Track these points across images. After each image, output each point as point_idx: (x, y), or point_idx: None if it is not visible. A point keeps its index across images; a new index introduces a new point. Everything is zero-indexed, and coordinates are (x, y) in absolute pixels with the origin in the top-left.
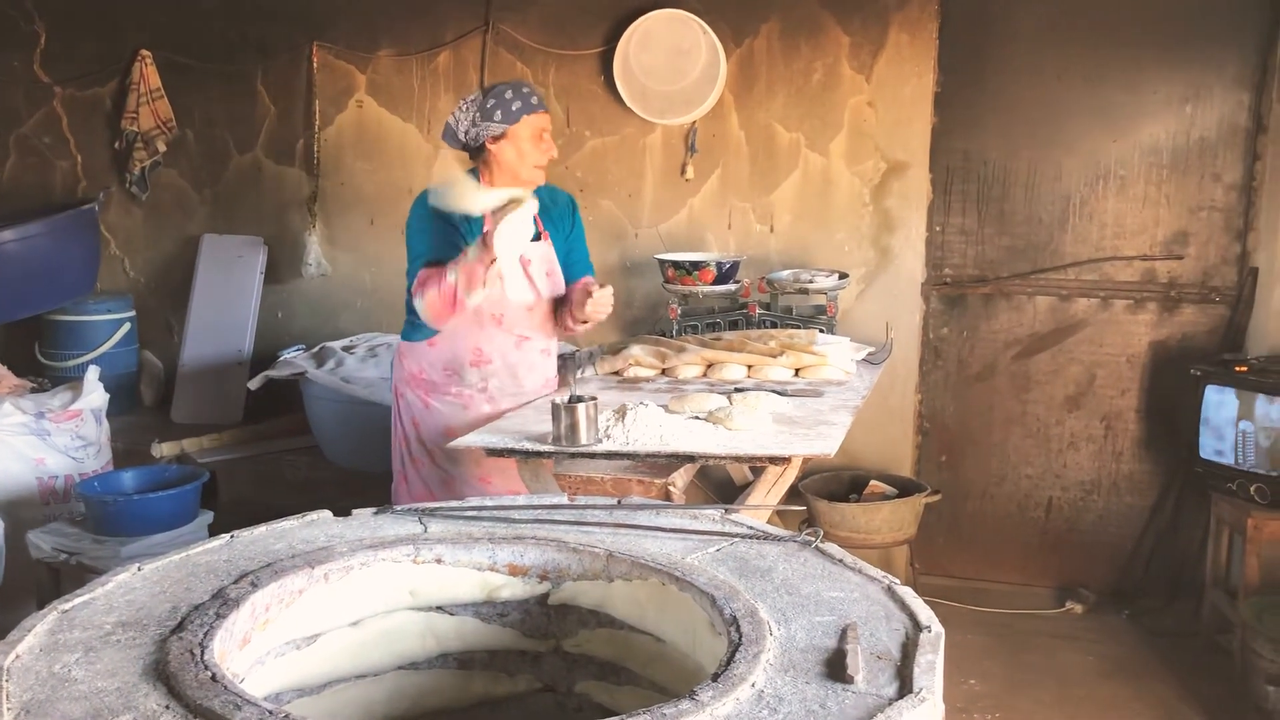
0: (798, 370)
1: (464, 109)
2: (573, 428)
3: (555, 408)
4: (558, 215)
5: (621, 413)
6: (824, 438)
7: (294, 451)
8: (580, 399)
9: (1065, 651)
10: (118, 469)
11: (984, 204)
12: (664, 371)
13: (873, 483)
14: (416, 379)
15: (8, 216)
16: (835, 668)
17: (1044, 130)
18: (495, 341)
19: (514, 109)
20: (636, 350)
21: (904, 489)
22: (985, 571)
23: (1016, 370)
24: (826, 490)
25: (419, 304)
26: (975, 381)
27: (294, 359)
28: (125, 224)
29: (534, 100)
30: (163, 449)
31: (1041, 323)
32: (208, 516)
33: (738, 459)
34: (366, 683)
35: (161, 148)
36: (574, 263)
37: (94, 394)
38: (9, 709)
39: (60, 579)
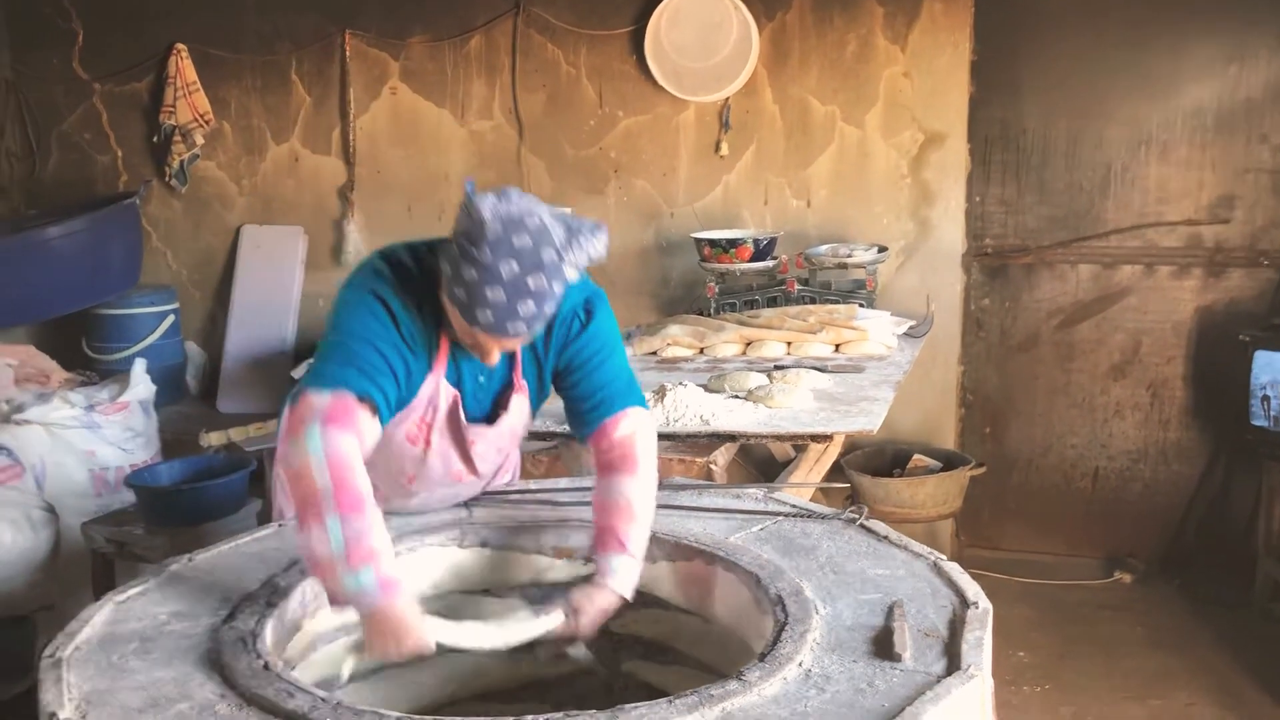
0: (838, 346)
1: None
2: None
3: None
4: (557, 326)
5: (661, 393)
6: (866, 414)
7: None
8: None
9: (1114, 622)
10: (166, 459)
11: (1023, 173)
12: (702, 350)
13: (916, 457)
14: None
15: (51, 212)
16: (882, 646)
17: (1083, 97)
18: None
19: (469, 312)
20: (674, 330)
21: (948, 462)
22: (1032, 543)
23: (1060, 340)
24: (870, 466)
25: (281, 449)
26: (1018, 352)
27: None
28: (166, 216)
29: (489, 317)
30: (210, 438)
31: (1084, 291)
32: (255, 504)
33: (779, 438)
34: (416, 666)
35: (199, 140)
36: (589, 392)
37: (141, 386)
38: (70, 699)
39: (114, 568)
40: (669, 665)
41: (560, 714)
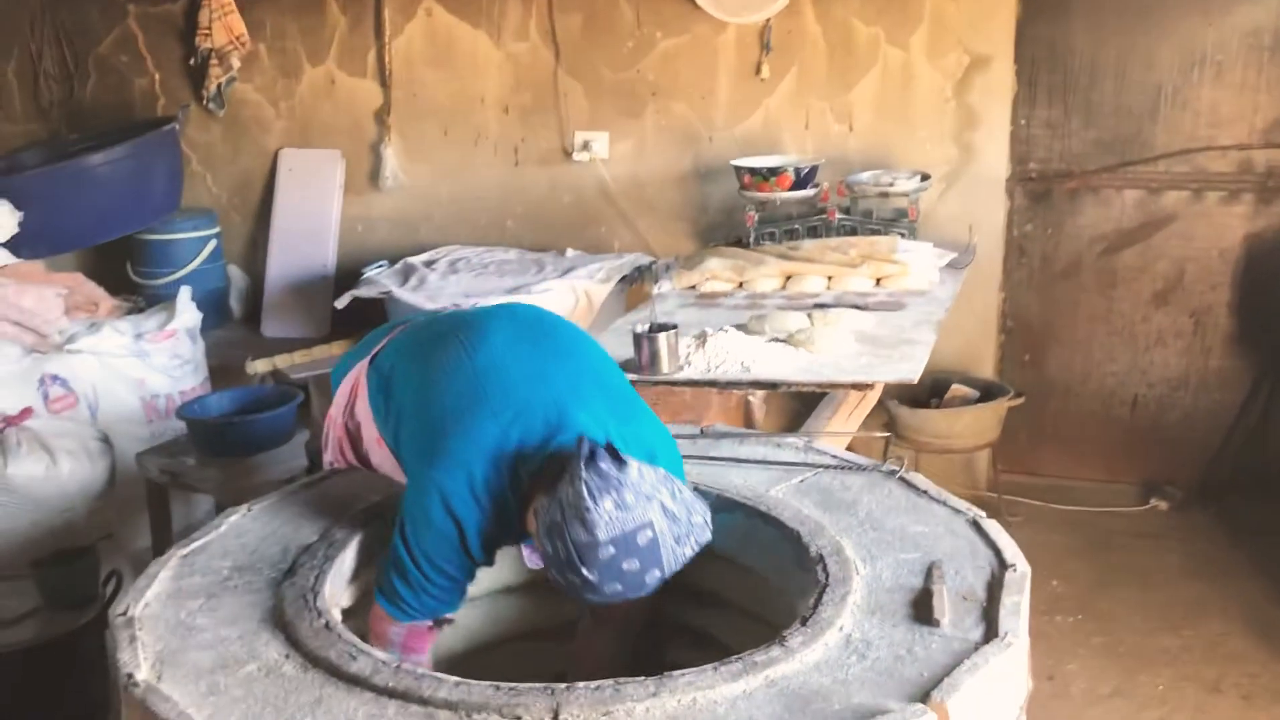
0: (878, 280)
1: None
2: (654, 356)
3: (637, 337)
4: None
5: (702, 339)
6: (907, 359)
7: None
8: (662, 327)
9: (1149, 551)
10: (215, 388)
11: (1070, 95)
12: (741, 285)
13: (954, 386)
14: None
15: (92, 136)
16: (922, 609)
17: (1134, 16)
18: None
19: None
20: (713, 263)
21: (986, 392)
22: (1069, 469)
23: (1102, 266)
24: (907, 395)
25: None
26: (1060, 279)
27: (378, 277)
28: (205, 140)
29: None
30: (256, 366)
31: (1129, 217)
32: (304, 435)
33: (820, 386)
34: (465, 609)
35: (236, 64)
36: None
37: (187, 314)
38: (144, 658)
39: (168, 496)
40: (709, 607)
41: (610, 681)
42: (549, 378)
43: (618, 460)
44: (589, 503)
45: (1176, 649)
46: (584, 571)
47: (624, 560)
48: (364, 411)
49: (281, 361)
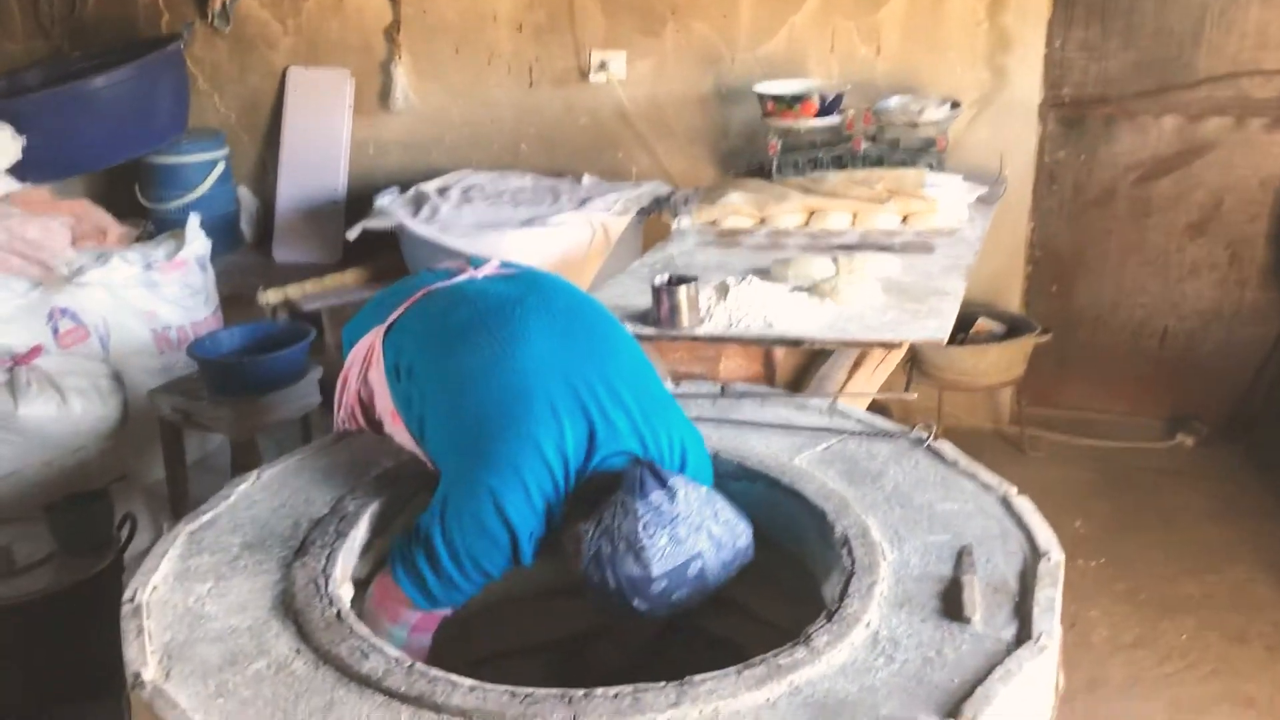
0: (905, 218)
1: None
2: (674, 310)
3: (655, 290)
4: None
5: (723, 291)
6: (935, 314)
7: None
8: (682, 280)
9: (1174, 490)
10: (227, 319)
11: (1109, 16)
12: (762, 221)
13: (980, 320)
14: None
15: (94, 54)
16: (951, 604)
17: None
18: None
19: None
20: (734, 198)
21: (1012, 326)
22: (1093, 402)
23: (1136, 195)
24: None
25: (369, 617)
26: (1091, 208)
27: (389, 207)
28: (211, 58)
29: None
30: (268, 297)
31: (1167, 145)
32: (317, 371)
33: (845, 344)
34: None
35: None
36: None
37: (197, 242)
38: (152, 651)
39: (181, 435)
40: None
41: (630, 689)
42: (588, 378)
43: (666, 488)
44: (644, 540)
45: (1200, 596)
46: (633, 602)
47: (674, 592)
48: (378, 380)
49: (293, 292)
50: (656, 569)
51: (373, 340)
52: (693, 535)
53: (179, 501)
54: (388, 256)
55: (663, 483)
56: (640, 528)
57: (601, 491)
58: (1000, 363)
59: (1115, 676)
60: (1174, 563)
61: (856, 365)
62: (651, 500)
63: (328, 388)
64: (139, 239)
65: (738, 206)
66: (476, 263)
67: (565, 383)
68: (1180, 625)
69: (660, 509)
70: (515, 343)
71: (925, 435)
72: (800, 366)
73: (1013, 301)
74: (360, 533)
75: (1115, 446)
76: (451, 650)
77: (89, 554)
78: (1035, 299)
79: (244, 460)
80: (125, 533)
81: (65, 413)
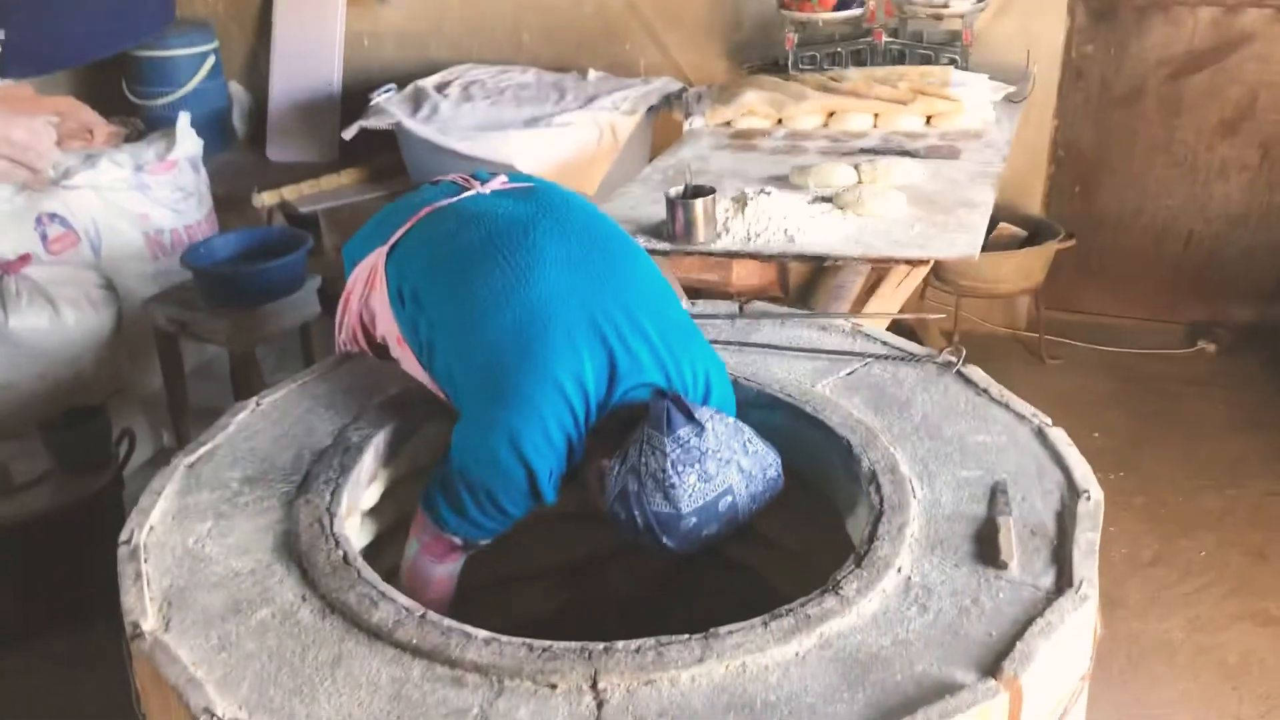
0: (929, 119)
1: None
2: (690, 225)
3: (670, 203)
4: None
5: (742, 203)
6: (965, 228)
7: (394, 196)
8: (699, 191)
9: (1194, 400)
10: (221, 221)
11: None
12: (780, 121)
13: (1001, 225)
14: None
15: None
16: (986, 547)
17: None
18: None
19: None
20: (750, 97)
21: (1034, 231)
22: (1113, 307)
23: (1167, 92)
24: None
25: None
26: (1119, 105)
27: (387, 105)
28: None
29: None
30: (263, 198)
31: (1201, 38)
32: (315, 280)
33: (870, 260)
34: None
35: None
36: None
37: (188, 142)
38: (151, 598)
39: (178, 345)
40: None
41: (652, 642)
42: (607, 308)
43: (694, 422)
44: (674, 478)
45: (1220, 511)
46: (663, 540)
47: (704, 528)
48: (381, 304)
49: (289, 193)
50: (686, 507)
51: (375, 262)
52: (722, 470)
53: (178, 412)
54: (386, 156)
55: (690, 417)
56: (669, 466)
57: (626, 425)
58: (1021, 270)
59: (1133, 596)
60: (1194, 477)
61: (878, 278)
62: (680, 436)
63: (327, 296)
64: (128, 138)
65: (754, 106)
66: (482, 176)
67: (583, 312)
68: (1200, 542)
69: (689, 445)
70: (529, 270)
71: (955, 359)
72: (815, 271)
73: (1034, 203)
74: (366, 464)
75: (1135, 353)
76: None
77: (87, 472)
78: (1056, 200)
79: (243, 372)
80: (124, 449)
81: (58, 324)
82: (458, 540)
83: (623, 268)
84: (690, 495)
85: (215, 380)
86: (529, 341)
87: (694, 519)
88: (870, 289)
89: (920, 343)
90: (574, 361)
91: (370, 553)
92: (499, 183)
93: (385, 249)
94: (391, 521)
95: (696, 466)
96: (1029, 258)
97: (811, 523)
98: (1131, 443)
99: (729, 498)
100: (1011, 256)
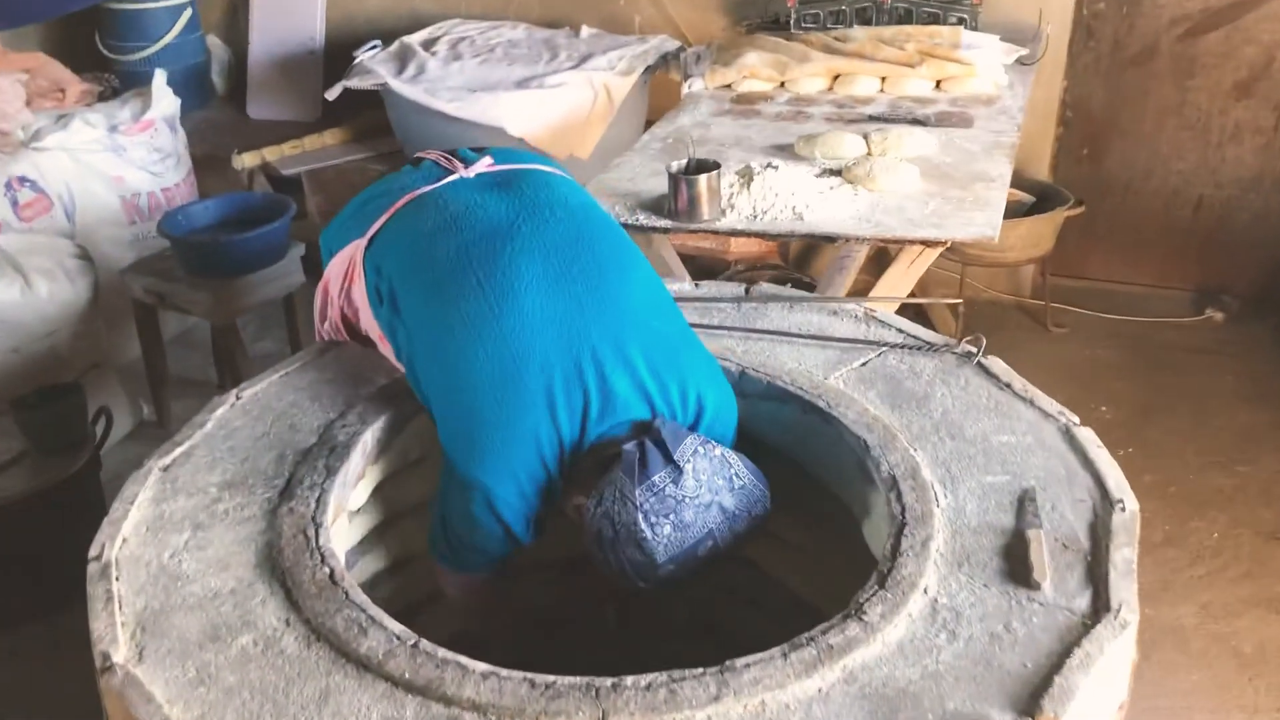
0: (938, 83)
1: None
2: (693, 201)
3: (673, 179)
4: None
5: (747, 177)
6: (983, 205)
7: (380, 158)
8: (702, 166)
9: (1203, 370)
10: (200, 183)
11: None
12: (783, 84)
13: (1008, 190)
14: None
15: None
16: (1016, 564)
17: None
18: None
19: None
20: (751, 59)
21: (1042, 196)
22: (1119, 273)
23: (1180, 52)
24: None
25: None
26: (1130, 65)
27: (371, 64)
28: None
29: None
30: (243, 160)
31: None
32: (299, 248)
33: (885, 241)
34: None
35: None
36: None
37: (164, 101)
38: (123, 623)
39: (157, 316)
40: None
41: (664, 674)
42: (589, 336)
43: (671, 464)
44: (645, 532)
45: (1231, 489)
46: (639, 584)
47: (684, 572)
48: (362, 298)
49: (271, 154)
50: (662, 556)
51: (353, 254)
52: (702, 515)
53: (157, 384)
54: (371, 115)
55: (669, 458)
56: (639, 520)
57: (603, 462)
58: (1029, 238)
59: (1145, 579)
60: (1204, 453)
61: (888, 257)
62: (654, 484)
63: (311, 264)
64: (101, 97)
65: (755, 69)
66: (466, 155)
67: (561, 346)
68: (1211, 523)
69: (663, 494)
70: (504, 297)
71: (975, 350)
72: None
73: (1041, 167)
74: (353, 464)
75: (1141, 321)
76: None
77: (63, 452)
78: (1064, 163)
79: (225, 344)
80: (101, 427)
81: (31, 297)
82: (484, 575)
83: (609, 280)
84: (665, 545)
85: (196, 349)
86: (503, 393)
87: (670, 566)
88: (875, 258)
89: (926, 316)
90: (548, 416)
91: (358, 553)
92: (484, 165)
93: (363, 242)
94: (380, 520)
95: (671, 517)
96: (1037, 225)
97: (820, 520)
98: (1139, 416)
99: (709, 543)
100: (1019, 224)
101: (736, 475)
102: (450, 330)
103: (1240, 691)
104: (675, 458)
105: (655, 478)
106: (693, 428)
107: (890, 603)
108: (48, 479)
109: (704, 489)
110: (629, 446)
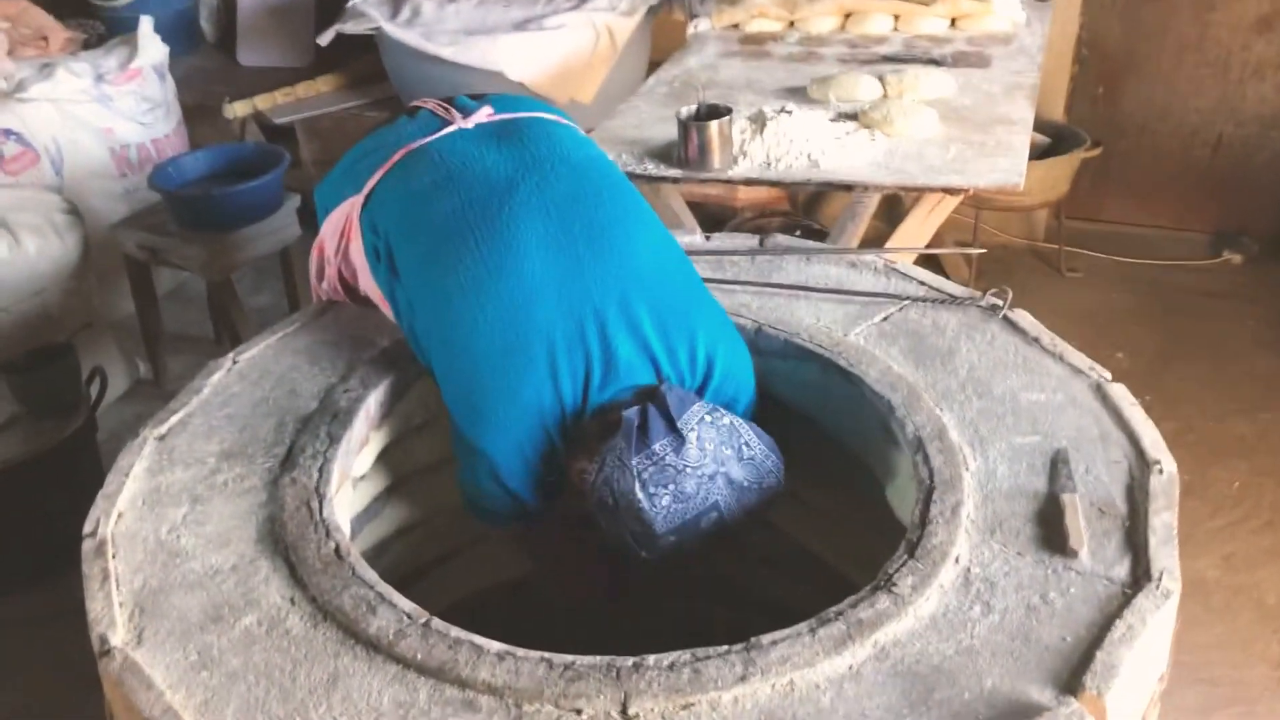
0: (954, 21)
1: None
2: (704, 149)
3: (683, 126)
4: None
5: (760, 123)
6: (1006, 150)
7: (376, 104)
8: (714, 112)
9: (1220, 317)
10: (191, 133)
11: None
12: (793, 24)
13: None
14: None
15: None
16: (1051, 530)
17: None
18: None
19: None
20: None
21: (1057, 137)
22: (1134, 215)
23: None
24: None
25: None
26: (1148, 1)
27: (365, 7)
28: None
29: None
30: (234, 109)
31: None
32: (294, 200)
33: (905, 189)
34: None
35: None
36: None
37: (151, 48)
38: (120, 604)
39: (150, 272)
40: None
41: (688, 653)
42: (592, 297)
43: (674, 433)
44: (643, 501)
45: (1253, 437)
46: (642, 554)
47: (687, 543)
48: (360, 258)
49: (262, 102)
50: (662, 527)
51: (349, 212)
52: (705, 486)
53: (152, 340)
54: (365, 60)
55: (671, 425)
56: (637, 488)
57: (607, 427)
58: (1045, 181)
59: None
60: (1224, 400)
61: (900, 202)
62: (654, 452)
63: (308, 214)
64: (86, 45)
65: (764, 7)
66: (464, 104)
67: (563, 309)
68: (1232, 471)
69: (663, 462)
70: (504, 260)
71: (1000, 302)
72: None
73: (1056, 108)
74: (357, 431)
75: (1157, 264)
76: None
77: (57, 415)
78: (1078, 102)
79: (220, 300)
80: (95, 388)
81: (19, 254)
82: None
83: (613, 238)
84: (665, 516)
85: (191, 303)
86: (505, 360)
87: (672, 537)
88: (887, 203)
89: (937, 262)
90: (550, 384)
91: (363, 520)
92: (483, 114)
93: (360, 199)
94: (385, 486)
95: (671, 486)
96: (1053, 168)
97: (840, 482)
98: (1157, 362)
99: (714, 514)
100: (1035, 167)
101: (746, 445)
102: (449, 296)
103: (1266, 644)
104: (679, 426)
105: (655, 446)
106: (701, 389)
107: (921, 573)
108: (42, 443)
109: (709, 459)
110: (629, 412)
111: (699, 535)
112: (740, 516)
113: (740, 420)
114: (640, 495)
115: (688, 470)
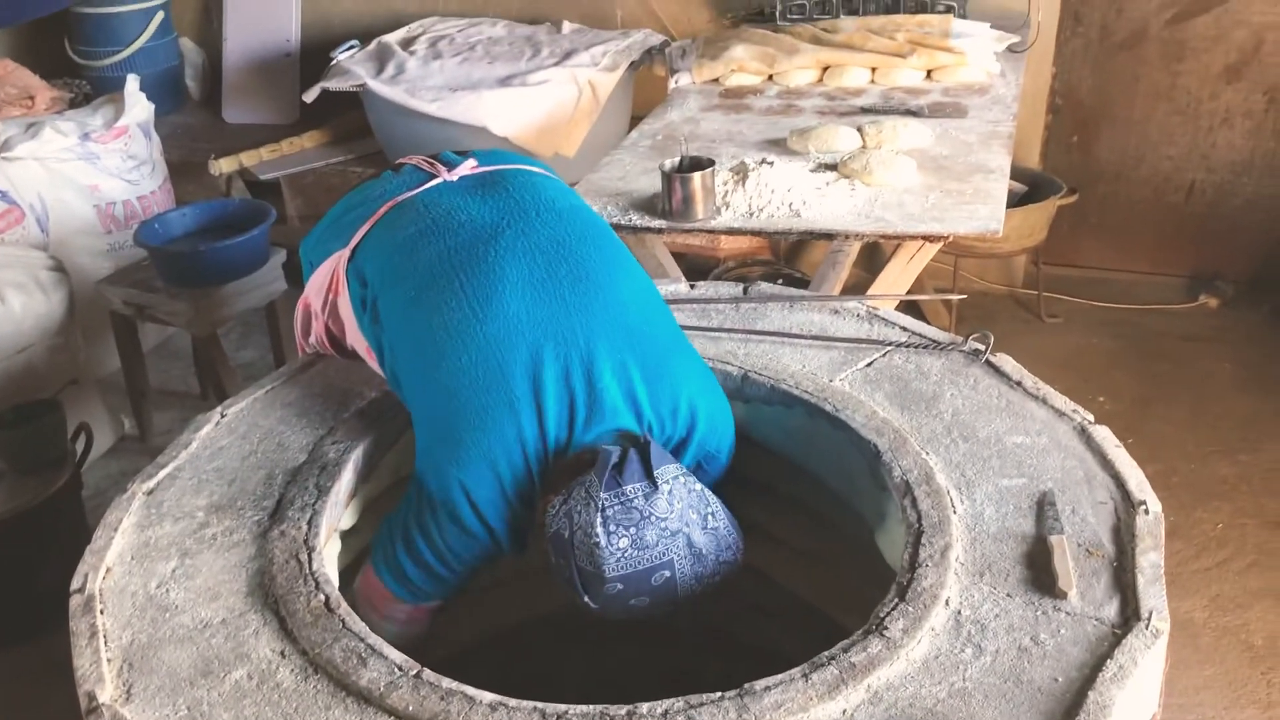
0: (929, 73)
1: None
2: (688, 201)
3: (666, 178)
4: None
5: (742, 174)
6: (984, 198)
7: (361, 160)
8: (696, 163)
9: (1199, 358)
10: (177, 196)
11: None
12: (771, 78)
13: None
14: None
15: None
16: (1040, 572)
17: None
18: None
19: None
20: (739, 52)
21: (1033, 184)
22: (1112, 260)
23: (1169, 36)
24: None
25: (360, 609)
26: (1119, 50)
27: (349, 65)
28: None
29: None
30: (220, 166)
31: None
32: (280, 255)
33: (886, 237)
34: None
35: None
36: None
37: (137, 107)
38: (109, 659)
39: (136, 329)
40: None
41: (681, 700)
42: (575, 341)
43: (648, 479)
44: (600, 539)
45: (1234, 479)
46: (584, 597)
47: (632, 597)
48: (348, 312)
49: (248, 159)
50: (611, 571)
51: (335, 266)
52: (665, 541)
53: (138, 396)
54: (350, 117)
55: (647, 473)
56: (599, 522)
57: (582, 466)
58: (1023, 228)
59: None
60: (1204, 441)
61: (880, 251)
62: (624, 493)
63: (293, 269)
64: (72, 103)
65: (743, 62)
66: (449, 159)
67: (547, 350)
68: (1215, 513)
69: (630, 505)
70: (487, 305)
71: (982, 347)
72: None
73: (1032, 155)
74: (344, 483)
75: (1135, 309)
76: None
77: (42, 471)
78: (1054, 150)
79: (206, 355)
80: (81, 444)
81: (4, 311)
82: (436, 605)
83: (598, 283)
84: (617, 560)
85: (177, 359)
86: (487, 397)
87: (619, 585)
88: (867, 251)
89: (918, 309)
90: (532, 416)
91: (349, 577)
92: (467, 168)
93: (346, 253)
94: (371, 541)
95: (633, 530)
96: (1031, 215)
97: (828, 525)
98: (1138, 405)
99: (666, 573)
100: (1013, 214)
101: (712, 515)
102: (432, 335)
103: (1254, 686)
104: (655, 474)
105: (627, 487)
106: (686, 440)
107: (912, 616)
108: (26, 500)
109: (675, 516)
110: (609, 447)
111: (645, 591)
112: (690, 583)
113: (710, 493)
114: (600, 531)
115: (653, 519)
